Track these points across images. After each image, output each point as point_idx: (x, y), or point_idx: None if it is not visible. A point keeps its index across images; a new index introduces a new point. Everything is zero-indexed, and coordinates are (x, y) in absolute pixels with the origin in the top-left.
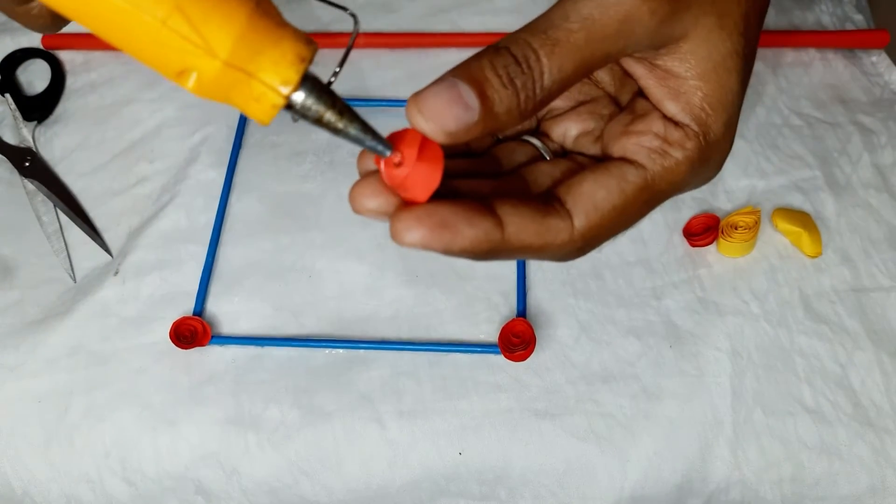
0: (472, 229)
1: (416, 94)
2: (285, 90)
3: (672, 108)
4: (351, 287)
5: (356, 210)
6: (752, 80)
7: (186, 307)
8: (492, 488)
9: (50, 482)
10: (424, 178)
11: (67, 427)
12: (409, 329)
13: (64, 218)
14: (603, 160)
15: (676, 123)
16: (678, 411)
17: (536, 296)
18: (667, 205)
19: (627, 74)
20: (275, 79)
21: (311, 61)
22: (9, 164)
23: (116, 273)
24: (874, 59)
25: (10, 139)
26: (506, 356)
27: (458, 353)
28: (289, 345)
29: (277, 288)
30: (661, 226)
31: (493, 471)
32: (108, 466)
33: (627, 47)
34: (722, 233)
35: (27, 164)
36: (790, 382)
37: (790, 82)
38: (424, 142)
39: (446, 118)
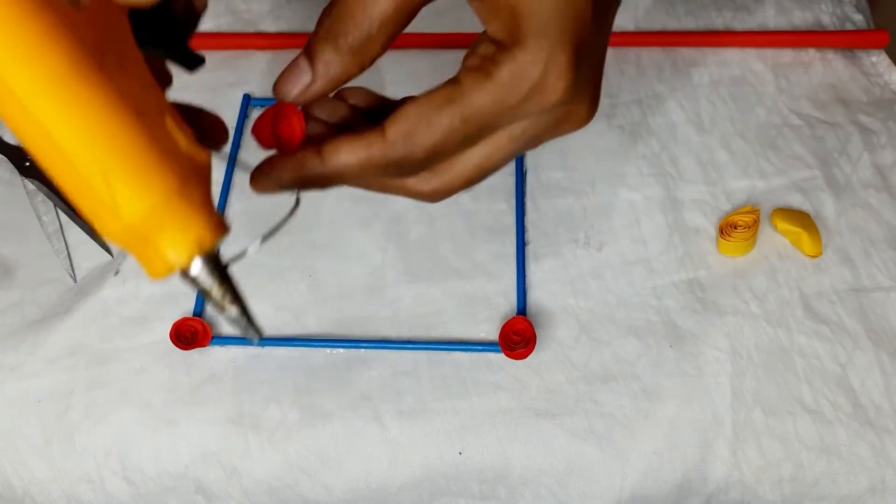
0: (291, 161)
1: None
2: (175, 265)
3: (490, 28)
4: (351, 287)
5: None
6: (752, 80)
7: (187, 307)
8: (492, 488)
9: (50, 482)
10: (286, 141)
11: (68, 427)
12: (409, 329)
13: (64, 218)
14: None
15: (495, 42)
16: (678, 411)
17: (536, 295)
18: (667, 205)
19: None
20: (168, 253)
21: (210, 248)
22: (9, 164)
23: (117, 273)
24: (874, 59)
25: (11, 139)
26: (506, 354)
27: (458, 352)
28: (289, 345)
29: (278, 288)
30: (662, 226)
31: (493, 470)
32: (109, 466)
33: None
34: (721, 232)
35: (27, 163)
36: (790, 382)
37: (790, 82)
38: (289, 111)
39: (287, 87)
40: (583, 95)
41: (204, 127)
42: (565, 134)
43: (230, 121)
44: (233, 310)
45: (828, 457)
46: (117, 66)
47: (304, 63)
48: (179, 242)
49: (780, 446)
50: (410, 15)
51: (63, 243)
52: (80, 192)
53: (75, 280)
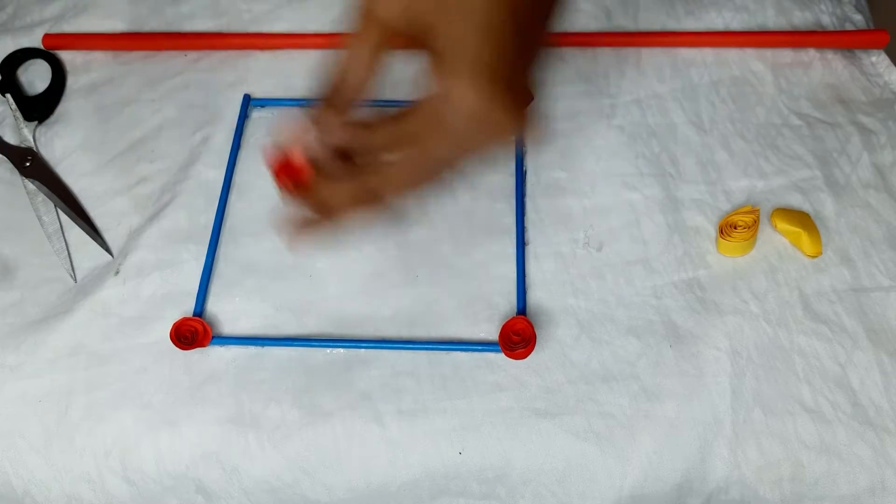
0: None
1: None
2: None
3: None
4: (351, 287)
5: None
6: (752, 80)
7: (187, 307)
8: (492, 487)
9: (50, 482)
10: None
11: (68, 427)
12: (409, 329)
13: (64, 218)
14: None
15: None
16: (678, 411)
17: (536, 295)
18: (666, 204)
19: None
20: None
21: None
22: (9, 164)
23: (117, 273)
24: (874, 59)
25: (11, 139)
26: (506, 354)
27: (458, 352)
28: (289, 345)
29: (278, 287)
30: (661, 226)
31: (493, 470)
32: (109, 466)
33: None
34: (721, 233)
35: (28, 164)
36: (790, 382)
37: (790, 82)
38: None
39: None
40: (496, 111)
41: None
42: (490, 144)
43: (230, 121)
44: None
45: (828, 457)
46: None
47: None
48: None
49: (780, 446)
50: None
51: (63, 243)
52: None
53: (75, 280)
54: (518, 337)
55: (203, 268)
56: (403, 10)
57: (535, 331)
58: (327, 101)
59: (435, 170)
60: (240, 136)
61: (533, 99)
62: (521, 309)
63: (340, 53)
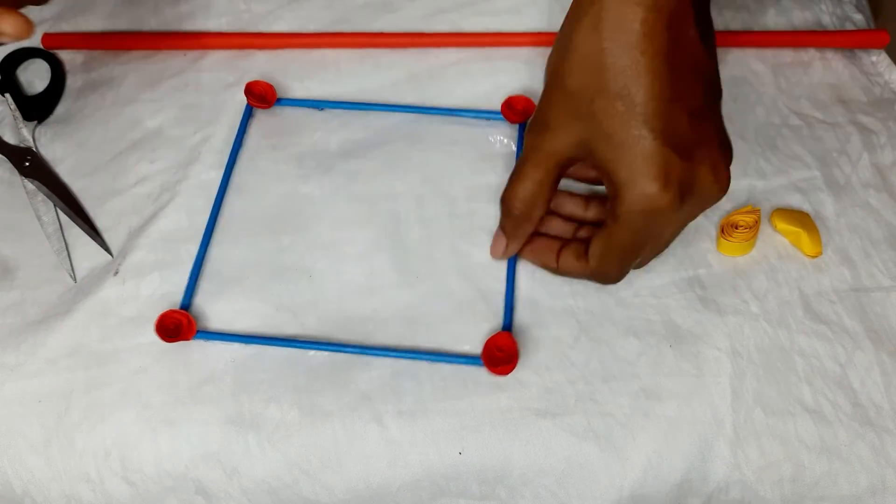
0: (537, 254)
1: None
2: None
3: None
4: (351, 287)
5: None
6: (752, 80)
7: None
8: (492, 488)
9: (50, 482)
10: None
11: (67, 427)
12: (407, 330)
13: (64, 218)
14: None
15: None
16: (678, 411)
17: (535, 295)
18: None
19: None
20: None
21: None
22: (9, 164)
23: (116, 273)
24: (874, 59)
25: (10, 139)
26: (489, 369)
27: (442, 364)
28: (278, 344)
29: (278, 288)
30: None
31: (493, 470)
32: (108, 466)
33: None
34: (722, 232)
35: (27, 163)
36: (790, 382)
37: (790, 82)
38: None
39: (495, 249)
40: (692, 174)
41: None
42: (712, 202)
43: (232, 121)
44: None
45: (828, 457)
46: None
47: (501, 235)
48: None
49: (781, 446)
50: (553, 185)
51: (63, 243)
52: None
53: (75, 280)
54: (501, 353)
55: (194, 261)
56: (573, 145)
57: (535, 332)
58: (516, 223)
59: (664, 248)
60: (241, 136)
61: (730, 147)
62: (507, 325)
63: (520, 184)
